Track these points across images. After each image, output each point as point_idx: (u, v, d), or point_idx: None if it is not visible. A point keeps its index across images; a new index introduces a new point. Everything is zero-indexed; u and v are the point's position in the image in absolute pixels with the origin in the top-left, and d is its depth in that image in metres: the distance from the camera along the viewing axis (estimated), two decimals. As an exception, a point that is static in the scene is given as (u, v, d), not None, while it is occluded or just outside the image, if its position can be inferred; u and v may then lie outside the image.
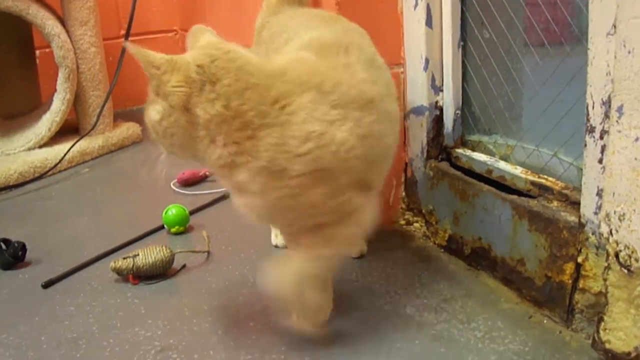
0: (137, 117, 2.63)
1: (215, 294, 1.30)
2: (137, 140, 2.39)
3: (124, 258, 1.36)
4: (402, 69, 1.44)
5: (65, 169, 2.12)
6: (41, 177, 2.03)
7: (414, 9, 1.38)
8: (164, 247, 1.36)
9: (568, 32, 1.15)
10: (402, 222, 1.51)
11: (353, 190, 1.01)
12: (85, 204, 1.85)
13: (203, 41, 1.02)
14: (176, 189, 1.84)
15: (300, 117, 0.94)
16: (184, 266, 1.40)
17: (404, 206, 1.51)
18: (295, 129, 0.94)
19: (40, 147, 2.15)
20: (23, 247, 1.48)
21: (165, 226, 1.57)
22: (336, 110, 0.97)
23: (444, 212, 1.39)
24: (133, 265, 1.34)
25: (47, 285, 1.38)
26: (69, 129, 2.23)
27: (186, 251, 1.42)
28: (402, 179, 1.50)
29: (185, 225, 1.55)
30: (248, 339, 1.15)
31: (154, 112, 1.00)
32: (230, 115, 0.95)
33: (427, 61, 1.38)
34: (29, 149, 2.14)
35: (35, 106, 2.40)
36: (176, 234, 1.55)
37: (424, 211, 1.45)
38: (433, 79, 1.39)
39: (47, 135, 2.14)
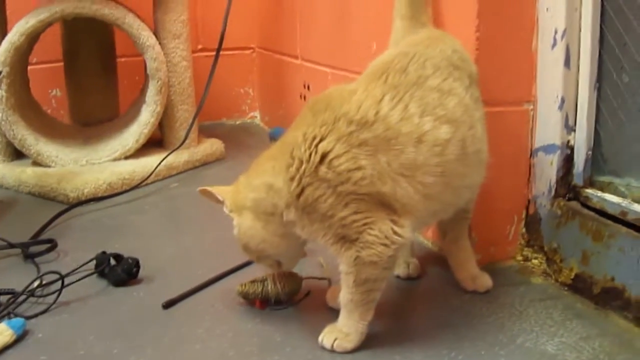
0: (218, 132, 2.69)
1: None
2: (220, 157, 2.45)
3: (252, 282, 1.38)
4: (531, 106, 1.48)
5: (151, 183, 2.15)
6: (131, 189, 2.06)
7: (552, 48, 1.43)
8: (292, 273, 1.39)
9: None
10: (520, 258, 1.55)
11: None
12: (183, 220, 1.89)
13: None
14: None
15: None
16: (308, 293, 1.42)
17: (522, 242, 1.54)
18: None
19: (126, 158, 2.19)
20: (137, 264, 1.51)
21: (279, 250, 1.58)
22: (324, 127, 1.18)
23: (571, 250, 1.43)
24: (262, 290, 1.37)
25: (168, 305, 1.41)
26: (151, 142, 2.27)
27: (310, 278, 1.44)
28: (523, 216, 1.53)
29: (301, 250, 1.57)
30: (400, 372, 1.17)
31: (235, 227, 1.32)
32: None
33: (562, 101, 1.42)
34: (115, 159, 2.19)
35: (113, 115, 2.45)
36: (290, 258, 1.57)
37: (546, 249, 1.49)
38: (567, 119, 1.43)
39: (133, 147, 2.19)
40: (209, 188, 1.33)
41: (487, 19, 1.41)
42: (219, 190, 1.32)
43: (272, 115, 2.87)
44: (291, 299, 1.40)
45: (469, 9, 1.41)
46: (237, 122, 3.13)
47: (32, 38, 2.14)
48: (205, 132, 2.56)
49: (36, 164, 2.20)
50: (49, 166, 2.17)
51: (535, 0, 1.45)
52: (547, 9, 1.43)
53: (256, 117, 3.14)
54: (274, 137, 2.59)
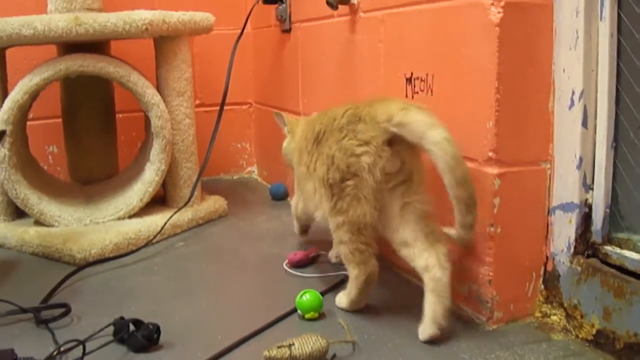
0: (216, 188, 2.69)
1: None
2: (223, 214, 2.47)
3: (279, 347, 1.39)
4: (548, 165, 1.51)
5: (157, 242, 2.15)
6: (137, 249, 2.06)
7: (569, 109, 1.47)
8: (319, 337, 1.40)
9: None
10: (538, 314, 1.57)
11: None
12: (195, 281, 1.89)
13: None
14: (288, 270, 1.87)
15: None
16: (334, 356, 1.43)
17: (541, 299, 1.57)
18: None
19: (130, 217, 2.18)
20: (158, 329, 1.49)
21: (298, 311, 1.59)
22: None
23: (591, 307, 1.45)
24: (289, 355, 1.37)
25: (197, 372, 1.40)
26: (154, 199, 2.28)
27: (338, 341, 1.45)
28: (541, 273, 1.55)
29: (320, 311, 1.58)
30: None
31: (285, 143, 1.92)
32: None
33: (580, 160, 1.46)
34: (119, 218, 2.19)
35: (113, 173, 2.44)
36: (310, 320, 1.58)
37: (566, 305, 1.52)
38: (585, 177, 1.46)
39: (138, 206, 2.20)
40: (282, 113, 1.95)
41: (506, 81, 1.44)
42: (288, 120, 1.93)
43: (271, 170, 2.89)
44: (318, 362, 1.40)
45: (489, 71, 1.44)
46: (235, 177, 3.16)
47: (34, 95, 2.14)
48: (204, 188, 2.57)
49: (39, 223, 2.19)
50: (52, 226, 2.16)
51: (551, 61, 1.48)
52: (563, 70, 1.47)
53: (254, 172, 3.16)
54: (274, 194, 2.61)
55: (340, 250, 1.58)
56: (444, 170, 1.36)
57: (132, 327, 1.51)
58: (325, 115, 1.62)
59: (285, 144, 1.93)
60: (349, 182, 1.49)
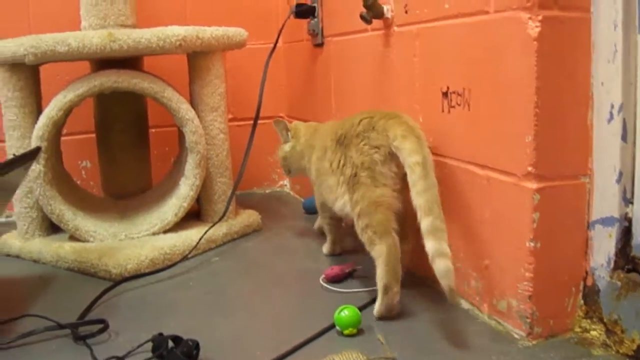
0: (250, 202, 2.71)
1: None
2: (257, 228, 2.49)
3: (319, 364, 1.40)
4: (587, 180, 1.52)
5: (192, 257, 2.17)
6: (173, 264, 2.08)
7: (609, 122, 1.47)
8: (359, 354, 1.41)
9: None
10: (578, 329, 1.57)
11: None
12: (231, 297, 1.90)
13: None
14: (325, 285, 1.89)
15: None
16: (375, 372, 1.44)
17: (580, 314, 1.57)
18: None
19: (165, 232, 2.21)
20: (197, 346, 1.51)
21: (336, 327, 1.60)
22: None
23: (632, 321, 1.46)
24: (329, 372, 1.38)
25: (240, 390, 1.41)
26: (188, 214, 2.30)
27: (377, 358, 1.46)
28: (581, 288, 1.55)
29: (358, 327, 1.60)
30: None
31: (287, 147, 2.21)
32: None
33: (620, 174, 1.46)
34: (154, 233, 2.22)
35: (146, 188, 2.47)
36: (348, 336, 1.59)
37: (605, 320, 1.52)
38: (624, 191, 1.47)
39: (173, 221, 2.22)
40: (283, 120, 2.22)
41: (545, 95, 1.45)
42: (291, 125, 2.21)
43: (303, 184, 2.90)
44: (358, 379, 1.42)
45: (528, 85, 1.45)
46: (267, 191, 3.18)
47: (68, 111, 2.18)
48: (238, 203, 2.59)
49: (74, 238, 2.22)
50: (87, 241, 2.19)
51: (590, 75, 1.49)
52: (602, 83, 1.48)
53: (286, 185, 3.19)
54: (308, 208, 2.62)
55: (364, 239, 1.72)
56: (410, 185, 1.59)
57: (171, 344, 1.53)
58: (344, 122, 1.86)
59: (287, 147, 2.20)
60: (362, 174, 1.70)
